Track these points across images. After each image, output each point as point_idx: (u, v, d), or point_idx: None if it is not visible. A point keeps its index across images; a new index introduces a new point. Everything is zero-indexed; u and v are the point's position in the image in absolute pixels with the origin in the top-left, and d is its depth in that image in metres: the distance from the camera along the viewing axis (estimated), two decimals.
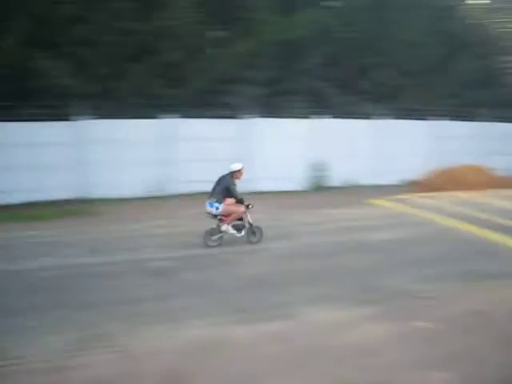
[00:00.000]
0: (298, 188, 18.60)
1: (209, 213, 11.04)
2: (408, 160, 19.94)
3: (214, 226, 11.09)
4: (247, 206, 11.17)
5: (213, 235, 11.07)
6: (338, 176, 19.28)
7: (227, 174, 11.19)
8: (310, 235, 12.31)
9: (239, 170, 11.23)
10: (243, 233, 11.27)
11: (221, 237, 11.13)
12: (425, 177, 19.57)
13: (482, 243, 11.47)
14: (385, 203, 16.32)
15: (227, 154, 17.44)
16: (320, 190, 18.61)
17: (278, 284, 8.71)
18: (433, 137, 21.09)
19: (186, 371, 5.69)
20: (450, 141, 21.09)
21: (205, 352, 6.16)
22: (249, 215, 11.27)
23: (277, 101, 19.34)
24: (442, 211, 14.63)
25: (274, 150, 18.42)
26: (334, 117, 19.25)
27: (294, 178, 18.68)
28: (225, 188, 10.99)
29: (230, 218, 11.02)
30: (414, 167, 19.65)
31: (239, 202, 11.11)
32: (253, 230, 11.28)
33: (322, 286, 8.63)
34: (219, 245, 11.12)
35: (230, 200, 10.99)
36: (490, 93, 23.95)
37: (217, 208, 10.90)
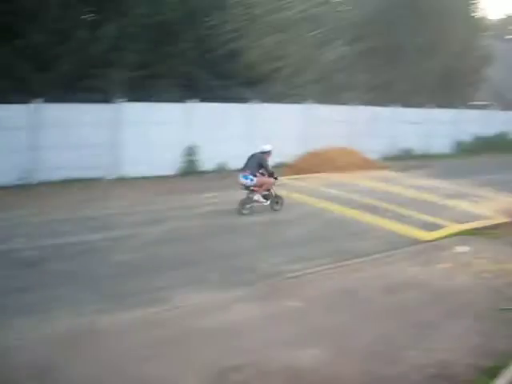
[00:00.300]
0: (171, 173, 18.58)
1: (243, 184, 13.13)
2: (281, 143, 20.41)
3: (246, 197, 13.11)
4: (275, 179, 13.47)
5: (246, 204, 13.06)
6: (211, 160, 19.43)
7: (259, 153, 13.46)
8: (182, 220, 12.56)
9: (269, 151, 13.56)
10: (269, 202, 13.38)
11: (252, 205, 13.12)
12: (298, 160, 20.37)
13: (351, 223, 12.51)
14: None
15: (97, 139, 17.29)
16: (193, 174, 18.74)
17: (150, 269, 8.95)
18: (305, 120, 21.97)
19: (53, 362, 5.74)
20: (322, 124, 22.02)
21: (73, 342, 6.25)
22: (274, 187, 13.52)
23: (148, 84, 19.12)
24: (314, 193, 15.49)
25: (146, 135, 18.19)
26: (206, 101, 19.30)
27: (166, 163, 18.56)
28: (258, 164, 13.15)
29: (262, 188, 13.23)
30: (288, 150, 20.32)
31: (270, 175, 13.30)
32: (276, 200, 13.52)
33: (194, 269, 9.03)
34: (251, 213, 12.99)
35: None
36: (360, 77, 25.30)
37: (251, 180, 13.02)
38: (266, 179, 13.34)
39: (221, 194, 15.47)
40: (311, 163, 19.75)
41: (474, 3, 33.68)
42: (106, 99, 17.92)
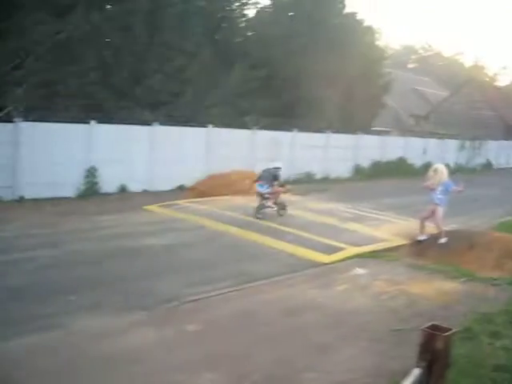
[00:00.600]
0: (72, 194, 18.19)
1: (259, 192, 15.97)
2: (183, 166, 20.70)
3: (260, 203, 15.91)
4: (284, 188, 16.86)
5: (260, 209, 15.83)
6: (113, 182, 19.29)
7: (272, 168, 16.33)
8: (80, 243, 12.39)
9: (280, 168, 16.62)
10: (276, 208, 16.17)
11: (265, 211, 15.87)
12: (199, 183, 20.59)
13: (252, 246, 12.76)
14: (158, 209, 16.82)
15: None
16: (94, 196, 18.43)
17: (44, 294, 8.78)
18: (208, 143, 22.19)
19: None
20: (224, 147, 22.36)
21: None
22: (281, 195, 16.60)
23: (49, 104, 18.70)
24: (214, 216, 15.71)
25: (46, 155, 17.74)
26: (108, 122, 19.12)
27: (67, 184, 18.10)
28: (273, 176, 16.01)
29: (274, 196, 16.14)
30: (188, 173, 20.68)
31: (281, 186, 16.43)
32: (282, 207, 16.33)
33: (91, 293, 8.96)
34: (264, 217, 15.57)
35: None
36: (259, 101, 25.91)
37: (266, 188, 15.84)
38: (278, 189, 16.30)
39: (121, 217, 15.42)
40: (213, 186, 19.99)
41: (375, 33, 35.52)
42: (6, 118, 17.48)
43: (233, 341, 7.39)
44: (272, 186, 15.93)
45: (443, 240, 13.00)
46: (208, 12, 25.11)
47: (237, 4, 27.38)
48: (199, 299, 8.89)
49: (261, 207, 15.89)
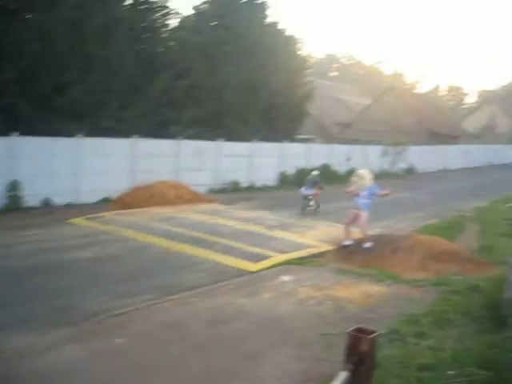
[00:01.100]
0: None
1: (305, 194, 19.88)
2: (108, 178, 20.32)
3: (305, 203, 19.84)
4: (322, 189, 20.23)
5: (305, 208, 19.73)
6: (37, 195, 18.69)
7: (314, 175, 20.51)
8: (1, 258, 11.96)
9: (319, 174, 21.03)
10: (314, 206, 20.08)
11: (308, 209, 19.87)
12: (125, 194, 20.28)
13: (179, 257, 12.62)
14: (83, 222, 16.47)
15: None
16: (17, 210, 17.85)
17: None
18: (133, 154, 21.84)
19: None
20: (150, 158, 22.12)
21: None
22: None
23: None
24: (140, 228, 15.49)
25: None
26: (30, 134, 18.48)
27: None
28: (314, 182, 20.03)
29: (317, 196, 20.04)
30: (115, 185, 20.33)
31: (320, 189, 20.13)
32: (318, 205, 20.19)
33: (14, 310, 8.68)
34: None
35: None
36: (184, 111, 25.85)
37: (311, 191, 19.82)
38: (318, 191, 20.01)
39: (45, 231, 15.00)
40: (139, 197, 19.80)
41: (297, 42, 36.07)
42: None
43: (161, 353, 7.30)
44: (314, 189, 19.93)
45: (368, 244, 13.23)
46: (130, 22, 24.84)
47: (159, 14, 27.21)
48: (126, 312, 8.76)
49: (305, 206, 19.81)
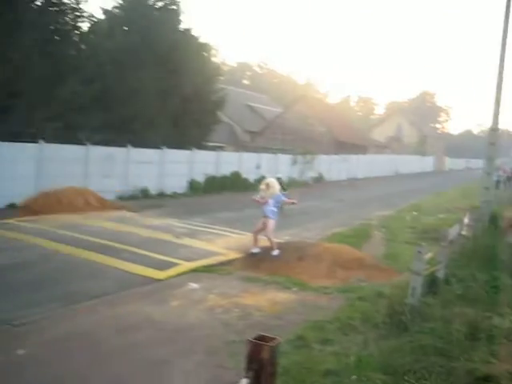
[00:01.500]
0: None
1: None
2: (13, 184, 19.70)
3: None
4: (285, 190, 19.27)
5: None
6: None
7: (279, 178, 18.58)
8: None
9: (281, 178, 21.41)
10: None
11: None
12: (31, 200, 19.65)
13: (85, 265, 12.32)
14: None
15: None
16: None
17: None
18: (40, 159, 21.26)
19: None
20: (57, 164, 21.60)
21: None
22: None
23: None
24: (46, 235, 15.05)
25: None
26: None
27: None
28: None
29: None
30: (20, 191, 19.74)
31: (284, 190, 18.17)
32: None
33: None
34: None
35: None
36: (93, 116, 25.35)
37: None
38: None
39: None
40: (46, 204, 19.27)
41: (210, 49, 36.17)
42: None
43: (66, 363, 7.11)
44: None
45: (276, 252, 13.38)
46: (40, 24, 24.13)
47: (70, 16, 26.55)
48: (30, 322, 8.46)
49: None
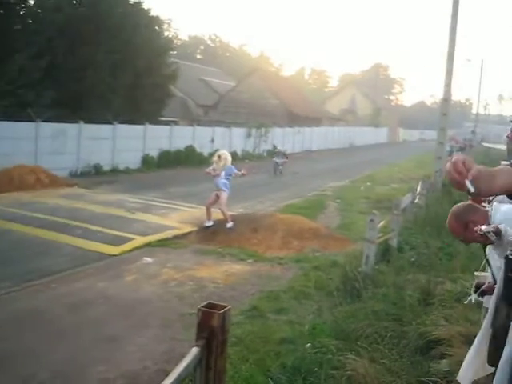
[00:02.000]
0: None
1: (276, 162, 28.58)
2: None
3: (276, 168, 28.35)
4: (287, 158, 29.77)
5: (276, 171, 28.38)
6: None
7: (280, 150, 30.87)
8: None
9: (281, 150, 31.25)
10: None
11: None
12: None
13: (37, 243, 12.09)
14: None
15: None
16: None
17: None
18: None
19: None
20: (7, 141, 20.95)
21: None
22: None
23: None
24: None
25: None
26: None
27: None
28: (282, 154, 29.65)
29: (285, 164, 28.74)
30: None
31: (287, 158, 30.08)
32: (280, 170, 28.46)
33: None
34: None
35: None
36: (43, 92, 24.81)
37: (281, 160, 28.63)
38: (286, 160, 29.13)
39: None
40: None
41: (162, 23, 35.63)
42: None
43: (17, 342, 7.01)
44: (283, 159, 28.87)
45: (230, 224, 13.40)
46: None
47: None
48: None
49: (276, 170, 28.17)
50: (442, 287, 7.92)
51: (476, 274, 4.72)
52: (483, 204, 4.08)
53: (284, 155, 29.26)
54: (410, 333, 6.14)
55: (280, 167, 28.24)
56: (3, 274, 9.70)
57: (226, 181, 13.61)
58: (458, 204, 4.07)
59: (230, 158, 13.93)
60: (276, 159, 28.63)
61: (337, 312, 7.48)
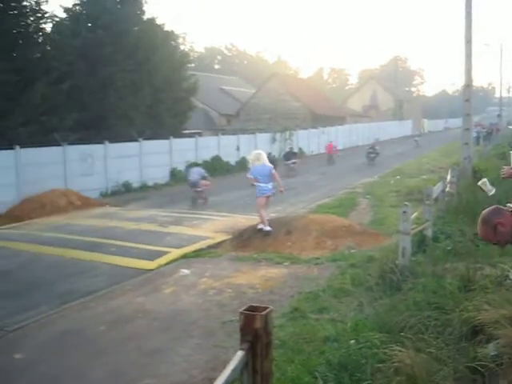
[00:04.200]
0: None
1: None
2: None
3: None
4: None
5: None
6: None
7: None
8: None
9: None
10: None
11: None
12: (14, 207, 19.59)
13: (74, 264, 12.26)
14: None
15: None
16: None
17: None
18: (18, 165, 20.95)
19: None
20: (37, 167, 21.34)
21: None
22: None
23: None
24: (32, 239, 14.88)
25: None
26: None
27: None
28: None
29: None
30: (2, 199, 19.50)
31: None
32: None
33: None
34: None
35: None
36: (67, 116, 25.15)
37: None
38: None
39: None
40: (29, 209, 19.16)
41: (177, 37, 35.97)
42: None
43: (63, 361, 7.10)
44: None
45: (268, 228, 13.38)
46: (1, 29, 23.75)
47: (32, 19, 26.14)
48: (23, 326, 8.43)
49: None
50: (482, 273, 7.81)
51: None
52: (508, 204, 4.12)
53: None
54: (453, 320, 6.06)
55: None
56: (43, 298, 9.86)
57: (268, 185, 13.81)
58: (484, 210, 4.08)
59: (252, 158, 14.19)
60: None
61: (378, 306, 7.43)
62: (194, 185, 20.19)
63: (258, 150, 15.08)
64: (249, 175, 14.00)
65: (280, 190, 14.21)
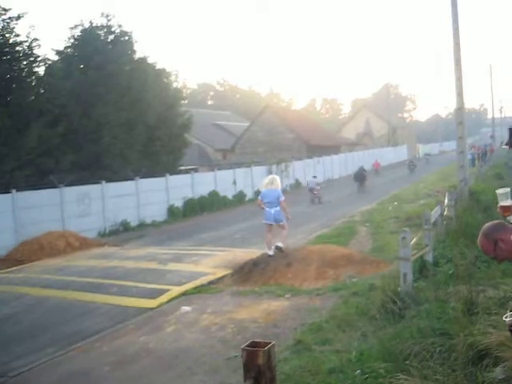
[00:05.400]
0: None
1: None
2: None
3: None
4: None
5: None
6: None
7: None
8: None
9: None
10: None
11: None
12: (13, 251, 19.50)
13: (75, 305, 12.14)
14: None
15: None
16: None
17: None
18: (15, 208, 20.92)
19: None
20: (34, 210, 21.39)
21: None
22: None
23: None
24: (32, 282, 14.80)
25: None
26: None
27: None
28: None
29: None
30: (1, 243, 19.50)
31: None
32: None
33: None
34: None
35: None
36: (62, 157, 25.28)
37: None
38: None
39: None
40: (28, 252, 19.09)
41: (169, 74, 36.27)
42: None
43: None
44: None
45: (269, 253, 13.70)
46: None
47: (25, 63, 26.41)
48: (28, 370, 8.35)
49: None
50: (485, 295, 7.79)
51: None
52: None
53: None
54: (458, 345, 6.01)
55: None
56: (47, 340, 9.77)
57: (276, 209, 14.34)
58: (487, 223, 4.09)
59: (266, 182, 14.50)
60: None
61: (382, 335, 7.37)
62: (312, 190, 30.75)
63: (272, 175, 15.62)
64: (259, 197, 14.53)
65: (287, 217, 14.40)
